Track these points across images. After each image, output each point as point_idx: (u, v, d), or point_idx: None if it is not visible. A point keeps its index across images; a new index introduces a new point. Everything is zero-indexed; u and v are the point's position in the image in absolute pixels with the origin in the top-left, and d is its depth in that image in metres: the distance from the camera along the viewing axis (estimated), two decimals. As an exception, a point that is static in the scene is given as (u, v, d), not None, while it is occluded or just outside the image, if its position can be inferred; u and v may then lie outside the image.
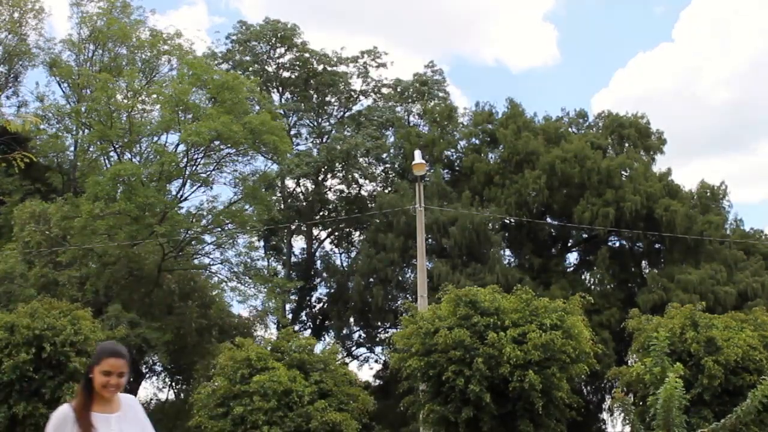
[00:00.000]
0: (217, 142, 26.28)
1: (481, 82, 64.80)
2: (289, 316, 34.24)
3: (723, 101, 61.84)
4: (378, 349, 35.76)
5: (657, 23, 69.00)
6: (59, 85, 30.79)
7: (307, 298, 37.35)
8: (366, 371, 46.62)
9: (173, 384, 30.35)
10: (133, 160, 27.62)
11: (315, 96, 37.54)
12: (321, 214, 36.92)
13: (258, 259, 31.07)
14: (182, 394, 28.58)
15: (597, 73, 73.19)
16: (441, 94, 37.47)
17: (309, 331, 35.61)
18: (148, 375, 29.58)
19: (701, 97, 62.23)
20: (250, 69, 35.62)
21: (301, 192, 37.72)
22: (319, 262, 37.71)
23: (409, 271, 32.11)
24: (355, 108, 37.83)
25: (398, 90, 37.41)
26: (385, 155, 35.63)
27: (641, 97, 58.56)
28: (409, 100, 37.64)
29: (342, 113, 38.19)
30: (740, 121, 61.03)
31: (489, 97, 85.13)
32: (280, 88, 37.79)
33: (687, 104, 62.51)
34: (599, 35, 70.75)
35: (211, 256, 29.61)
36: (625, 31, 70.03)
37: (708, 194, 32.55)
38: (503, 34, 62.94)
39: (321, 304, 37.24)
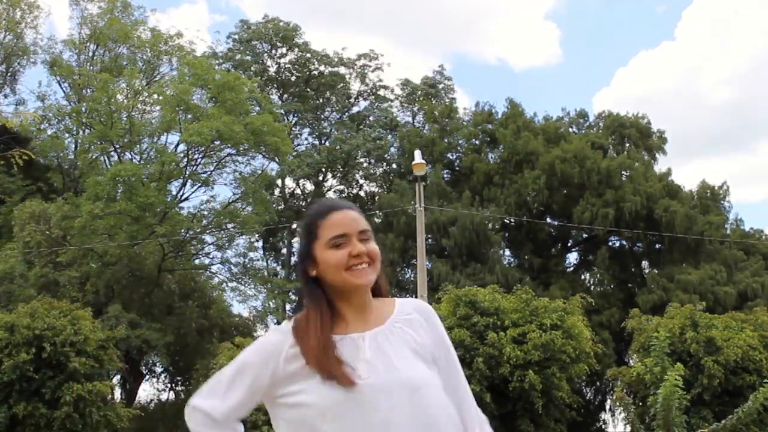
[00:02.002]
0: (217, 142, 26.29)
1: (483, 81, 64.55)
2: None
3: (723, 101, 61.72)
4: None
5: (659, 22, 68.82)
6: (60, 85, 30.79)
7: (308, 298, 37.28)
8: (366, 371, 46.58)
9: (173, 385, 30.34)
10: (134, 160, 27.62)
11: (315, 96, 37.53)
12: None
13: (257, 260, 31.09)
14: (182, 395, 28.58)
15: (599, 72, 72.93)
16: (447, 100, 37.46)
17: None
18: (148, 376, 29.59)
19: (701, 97, 62.12)
20: (251, 69, 35.59)
21: (301, 192, 37.73)
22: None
23: (409, 271, 32.11)
24: (355, 109, 37.89)
25: (405, 91, 37.41)
26: (387, 156, 35.62)
27: (642, 97, 58.42)
28: (415, 103, 37.61)
29: (341, 115, 38.17)
30: (740, 121, 60.87)
31: (491, 96, 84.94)
32: (281, 89, 37.77)
33: (687, 104, 62.38)
34: (601, 34, 70.61)
35: (211, 256, 29.65)
36: (627, 29, 69.87)
37: (708, 194, 32.51)
38: (505, 32, 62.72)
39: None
